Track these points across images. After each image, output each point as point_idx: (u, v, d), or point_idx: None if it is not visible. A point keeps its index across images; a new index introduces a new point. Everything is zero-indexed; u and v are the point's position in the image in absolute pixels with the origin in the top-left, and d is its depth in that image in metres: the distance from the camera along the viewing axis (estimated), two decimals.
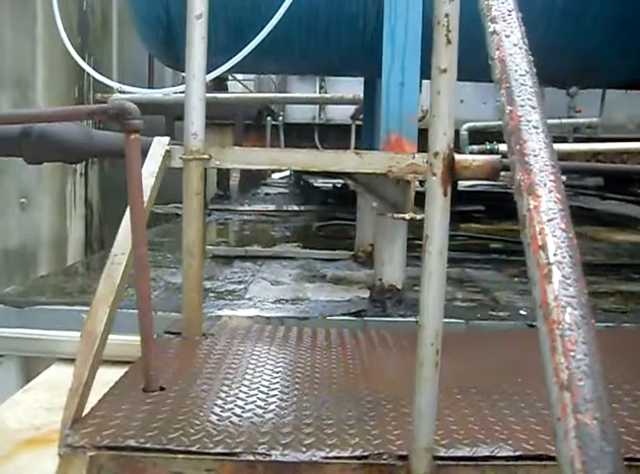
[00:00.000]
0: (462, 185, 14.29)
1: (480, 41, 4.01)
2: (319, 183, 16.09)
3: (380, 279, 3.82)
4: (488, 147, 7.96)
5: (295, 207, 10.34)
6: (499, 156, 1.83)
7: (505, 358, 3.14)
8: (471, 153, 8.24)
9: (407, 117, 3.64)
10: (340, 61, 4.36)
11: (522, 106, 1.02)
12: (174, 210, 9.11)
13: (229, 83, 12.75)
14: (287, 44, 3.87)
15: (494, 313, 3.94)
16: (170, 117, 8.53)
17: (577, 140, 8.55)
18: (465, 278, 4.95)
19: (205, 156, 3.13)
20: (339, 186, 12.60)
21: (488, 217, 9.36)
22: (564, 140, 8.52)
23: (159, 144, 3.22)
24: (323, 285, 4.53)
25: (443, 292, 1.88)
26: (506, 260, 5.80)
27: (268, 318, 3.71)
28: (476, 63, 4.48)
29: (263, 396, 2.49)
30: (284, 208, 10.27)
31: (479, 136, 8.62)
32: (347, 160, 3.15)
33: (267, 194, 13.55)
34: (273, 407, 2.38)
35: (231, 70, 3.82)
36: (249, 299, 4.10)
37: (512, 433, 2.21)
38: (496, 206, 10.77)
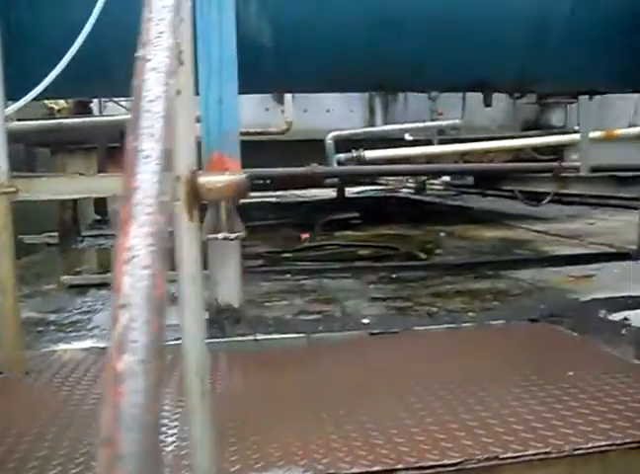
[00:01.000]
0: (350, 191, 14.43)
1: (346, 54, 3.97)
2: None
3: (216, 299, 3.76)
4: (355, 155, 8.00)
5: None
6: (244, 175, 1.79)
7: (340, 375, 3.12)
8: (338, 162, 8.27)
9: (228, 134, 3.59)
10: None
11: (140, 134, 0.98)
12: (47, 240, 8.88)
13: (110, 104, 12.46)
14: (105, 68, 3.77)
15: (337, 324, 3.93)
16: (30, 145, 8.27)
17: (442, 142, 8.70)
18: (320, 289, 4.93)
19: (11, 189, 3.00)
20: None
21: (367, 223, 9.40)
22: (429, 143, 8.65)
23: None
24: (171, 308, 4.43)
25: (203, 318, 1.83)
26: (369, 267, 5.83)
27: (103, 348, 3.59)
28: (341, 74, 4.52)
29: (73, 435, 2.39)
30: None
31: (347, 144, 8.65)
32: None
33: None
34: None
35: (48, 95, 3.71)
36: (89, 330, 3.98)
37: (333, 452, 2.18)
38: (378, 212, 10.89)
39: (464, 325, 3.86)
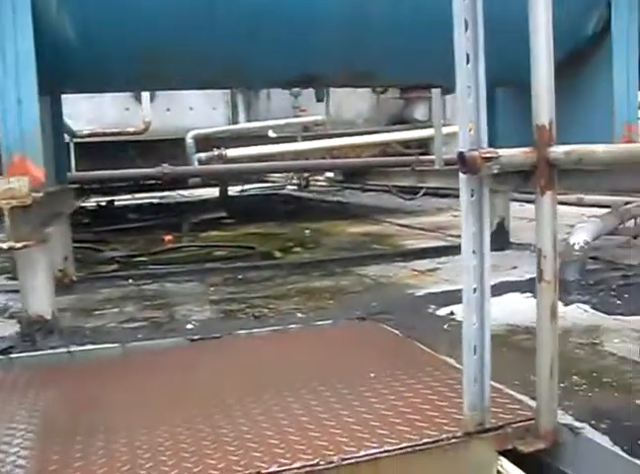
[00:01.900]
0: (233, 190, 14.27)
1: (156, 45, 3.80)
2: (88, 202, 15.46)
3: (27, 311, 3.56)
4: (216, 153, 7.84)
5: None
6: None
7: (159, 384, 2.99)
8: (199, 161, 8.10)
9: (29, 136, 3.40)
10: None
11: None
12: None
13: None
14: None
15: (160, 331, 3.79)
16: None
17: (307, 138, 8.63)
18: (157, 295, 4.77)
19: None
20: (103, 204, 12.11)
21: (240, 222, 9.23)
22: (294, 140, 8.58)
23: None
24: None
25: None
26: (216, 268, 5.69)
27: None
28: (153, 69, 4.36)
29: None
30: None
31: (214, 142, 8.49)
32: None
33: None
34: None
35: None
36: None
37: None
38: (256, 210, 10.75)
39: (290, 326, 3.77)
